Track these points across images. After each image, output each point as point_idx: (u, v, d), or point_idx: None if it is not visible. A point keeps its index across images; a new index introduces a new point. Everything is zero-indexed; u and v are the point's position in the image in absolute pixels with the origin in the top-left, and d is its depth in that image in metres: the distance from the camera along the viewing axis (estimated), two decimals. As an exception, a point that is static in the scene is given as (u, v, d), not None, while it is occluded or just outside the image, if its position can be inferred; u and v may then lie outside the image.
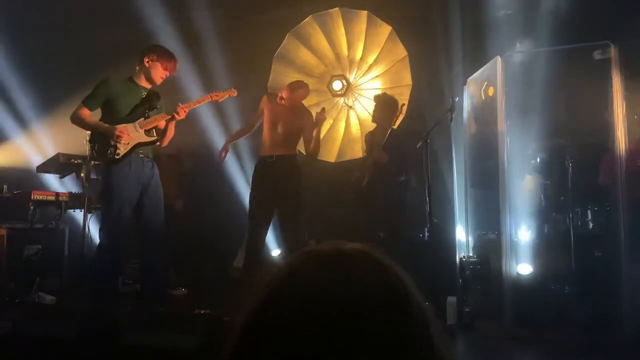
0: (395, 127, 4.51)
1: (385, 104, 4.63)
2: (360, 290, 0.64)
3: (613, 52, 4.00)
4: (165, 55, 3.93)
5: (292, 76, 5.05)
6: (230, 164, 5.60)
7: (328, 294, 0.63)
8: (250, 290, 0.69)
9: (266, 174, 4.37)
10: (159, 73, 3.89)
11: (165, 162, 4.73)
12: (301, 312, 0.62)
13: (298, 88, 4.53)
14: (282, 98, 4.44)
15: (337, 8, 5.22)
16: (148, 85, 3.93)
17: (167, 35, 5.32)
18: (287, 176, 4.34)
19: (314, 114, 4.53)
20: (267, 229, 4.47)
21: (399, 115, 4.49)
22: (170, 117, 3.86)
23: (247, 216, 4.48)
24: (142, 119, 3.83)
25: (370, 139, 4.75)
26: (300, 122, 4.47)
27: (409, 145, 4.37)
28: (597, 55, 4.21)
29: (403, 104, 4.68)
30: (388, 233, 4.45)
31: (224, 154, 4.60)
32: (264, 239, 4.49)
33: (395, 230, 4.48)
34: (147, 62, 3.87)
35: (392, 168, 4.49)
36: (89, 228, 4.85)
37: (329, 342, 0.59)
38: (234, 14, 5.87)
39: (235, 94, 4.23)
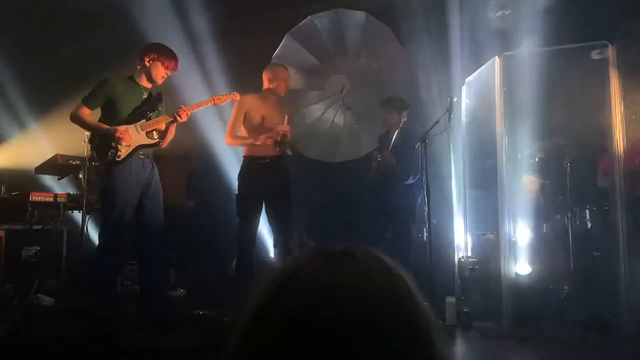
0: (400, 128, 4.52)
1: (393, 106, 4.65)
2: (365, 290, 0.64)
3: (611, 52, 4.00)
4: (166, 54, 3.85)
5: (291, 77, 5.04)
6: (231, 165, 5.58)
7: (332, 292, 0.63)
8: (251, 290, 0.69)
9: (260, 175, 4.25)
10: (160, 72, 3.82)
11: (166, 163, 4.72)
12: (305, 310, 0.62)
13: (277, 67, 4.43)
14: (270, 81, 4.29)
15: (336, 9, 5.23)
16: (149, 85, 3.87)
17: (165, 36, 5.30)
18: (280, 177, 4.30)
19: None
20: (257, 229, 4.42)
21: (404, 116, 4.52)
22: (172, 119, 3.78)
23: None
24: (144, 120, 3.76)
25: (382, 141, 4.77)
26: (281, 116, 4.27)
27: (409, 146, 4.37)
28: (594, 55, 4.21)
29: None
30: (392, 234, 4.46)
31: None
32: (255, 239, 4.46)
33: (400, 231, 4.49)
34: (148, 61, 3.80)
35: (400, 170, 4.50)
36: (88, 229, 4.84)
37: (333, 341, 0.60)
38: (233, 15, 5.87)
39: (238, 97, 4.16)
